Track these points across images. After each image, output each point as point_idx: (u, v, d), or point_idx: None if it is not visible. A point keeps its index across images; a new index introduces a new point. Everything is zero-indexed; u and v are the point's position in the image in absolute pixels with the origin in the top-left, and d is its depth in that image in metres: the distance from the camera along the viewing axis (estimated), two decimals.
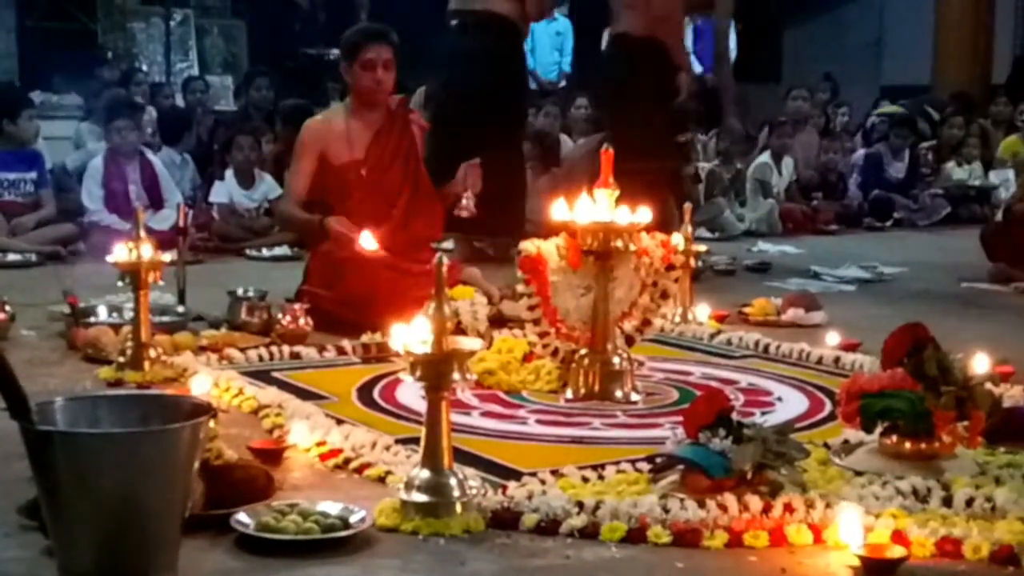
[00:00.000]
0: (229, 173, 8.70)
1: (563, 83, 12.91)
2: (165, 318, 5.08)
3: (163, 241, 5.35)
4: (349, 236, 5.26)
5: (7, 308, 5.03)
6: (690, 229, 5.51)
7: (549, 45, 13.00)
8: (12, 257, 7.49)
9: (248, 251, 8.10)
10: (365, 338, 4.79)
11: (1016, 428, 3.45)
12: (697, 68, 13.04)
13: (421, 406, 3.02)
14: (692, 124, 8.73)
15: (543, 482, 3.11)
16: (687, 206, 5.68)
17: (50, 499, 2.37)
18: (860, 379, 3.36)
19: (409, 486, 2.87)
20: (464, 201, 8.87)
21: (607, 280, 4.09)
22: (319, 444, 3.44)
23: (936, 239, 9.61)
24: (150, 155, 8.50)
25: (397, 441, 3.44)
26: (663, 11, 7.18)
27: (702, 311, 5.52)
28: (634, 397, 4.09)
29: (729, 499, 2.85)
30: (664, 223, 5.17)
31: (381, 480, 3.18)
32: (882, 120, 11.85)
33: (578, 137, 10.15)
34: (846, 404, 3.30)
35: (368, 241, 5.21)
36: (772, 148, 10.19)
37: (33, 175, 8.23)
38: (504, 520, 2.87)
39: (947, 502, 2.96)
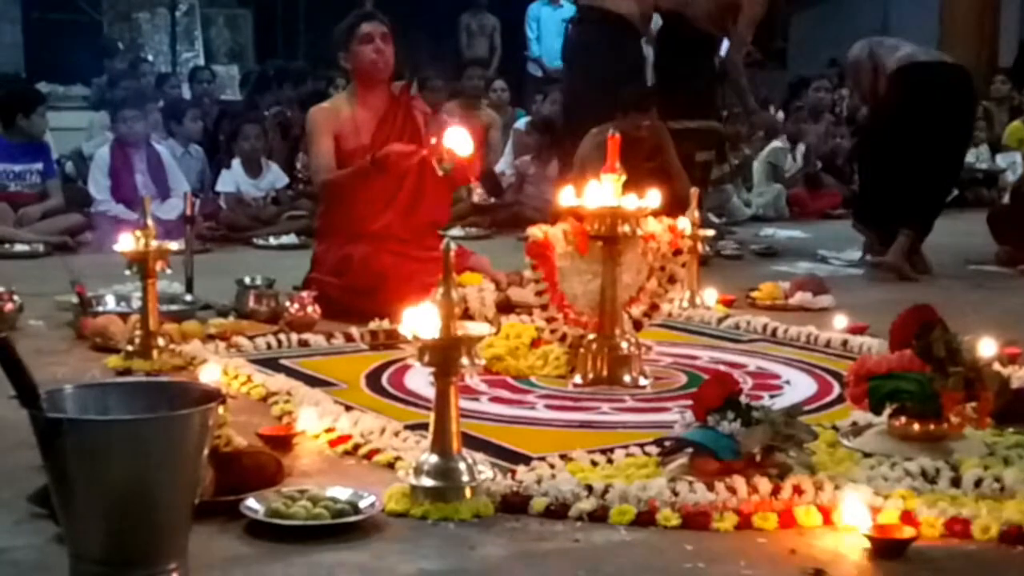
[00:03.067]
0: (236, 162, 8.71)
1: None
2: (173, 307, 5.09)
3: (171, 230, 5.38)
4: (411, 151, 5.19)
5: (15, 298, 5.03)
6: (697, 214, 5.51)
7: (555, 32, 12.95)
8: (20, 247, 7.51)
9: (255, 240, 8.11)
10: (373, 325, 4.79)
11: None
12: None
13: (430, 392, 3.02)
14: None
15: (552, 466, 3.12)
16: (694, 191, 5.68)
17: (60, 487, 2.37)
18: (868, 361, 3.36)
19: (418, 471, 2.87)
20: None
21: (615, 265, 4.09)
22: (328, 430, 3.44)
23: (943, 222, 9.49)
24: (157, 145, 8.51)
25: (406, 427, 3.45)
26: None
27: (710, 296, 5.52)
28: (642, 381, 4.09)
29: (738, 481, 2.85)
30: None
31: (390, 466, 3.18)
32: None
33: None
34: (854, 386, 3.30)
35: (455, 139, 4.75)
36: (788, 133, 10.20)
37: (39, 166, 8.26)
38: (513, 504, 2.87)
39: (956, 483, 2.96)
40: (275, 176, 8.79)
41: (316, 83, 10.17)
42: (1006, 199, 8.49)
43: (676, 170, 7.38)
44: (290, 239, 8.03)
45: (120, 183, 8.13)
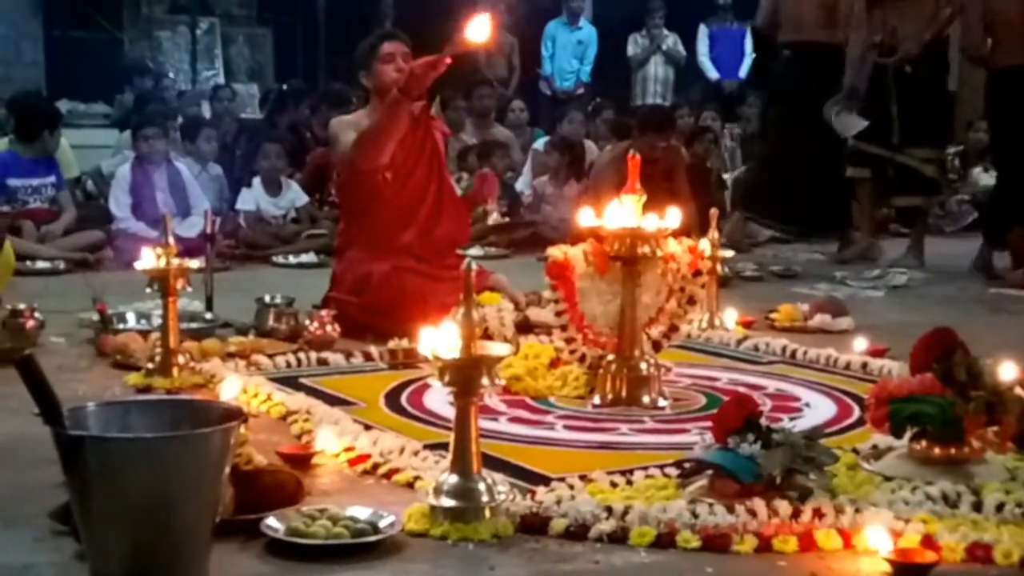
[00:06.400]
0: (256, 181, 8.75)
1: (580, 91, 12.84)
2: (193, 325, 5.11)
3: (191, 248, 5.39)
4: (433, 60, 5.03)
5: (36, 315, 5.03)
6: (716, 235, 5.51)
7: (570, 53, 12.97)
8: (41, 264, 7.54)
9: (275, 258, 8.14)
10: (392, 344, 4.79)
11: None
12: (713, 74, 13.07)
13: (449, 412, 3.02)
14: None
15: (572, 487, 3.11)
16: (713, 212, 5.68)
17: (82, 504, 2.38)
18: (889, 384, 3.35)
19: (438, 491, 2.87)
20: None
21: (634, 286, 4.08)
22: (347, 449, 3.44)
23: (963, 245, 9.53)
24: (177, 162, 8.55)
25: (425, 446, 3.45)
26: None
27: (729, 317, 5.51)
28: (661, 403, 4.09)
29: (758, 504, 2.84)
30: None
31: (410, 485, 3.19)
32: None
33: (602, 143, 10.14)
34: (875, 409, 3.29)
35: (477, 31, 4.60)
36: None
37: (52, 179, 8.38)
38: (533, 525, 2.87)
39: (977, 507, 2.95)
40: (295, 195, 8.82)
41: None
42: None
43: (684, 195, 7.41)
44: (310, 258, 8.06)
45: (141, 201, 8.17)
